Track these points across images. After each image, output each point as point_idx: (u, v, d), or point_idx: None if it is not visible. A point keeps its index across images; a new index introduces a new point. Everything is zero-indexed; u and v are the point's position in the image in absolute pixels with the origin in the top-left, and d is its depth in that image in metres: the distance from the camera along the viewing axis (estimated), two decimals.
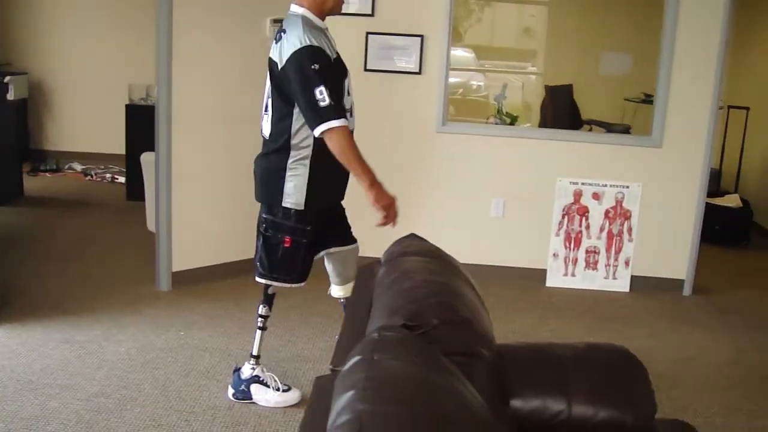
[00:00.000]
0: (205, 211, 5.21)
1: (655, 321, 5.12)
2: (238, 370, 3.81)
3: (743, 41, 8.13)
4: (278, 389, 3.76)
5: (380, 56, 5.49)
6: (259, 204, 3.62)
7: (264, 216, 3.57)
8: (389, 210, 3.46)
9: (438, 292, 1.99)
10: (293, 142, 3.45)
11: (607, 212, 5.52)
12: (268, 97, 3.54)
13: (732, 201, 7.14)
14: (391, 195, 3.46)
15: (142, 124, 6.45)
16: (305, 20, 3.39)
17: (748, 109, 7.49)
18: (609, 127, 6.61)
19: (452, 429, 1.44)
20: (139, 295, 5.00)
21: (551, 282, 5.60)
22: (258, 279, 3.65)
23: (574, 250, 5.57)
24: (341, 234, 3.78)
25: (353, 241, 3.82)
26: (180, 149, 5.00)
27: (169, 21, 4.81)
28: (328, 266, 3.83)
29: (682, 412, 3.92)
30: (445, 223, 5.59)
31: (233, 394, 3.78)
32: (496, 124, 6.28)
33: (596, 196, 5.51)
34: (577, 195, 5.51)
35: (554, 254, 5.57)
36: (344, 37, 5.43)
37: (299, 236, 3.53)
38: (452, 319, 1.91)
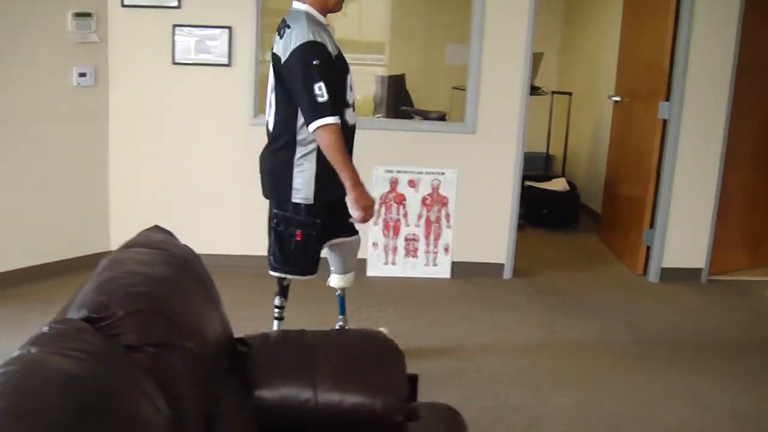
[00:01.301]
0: None
1: (471, 305, 5.14)
2: None
3: (573, 28, 8.32)
4: None
5: (188, 49, 5.34)
6: (268, 200, 3.75)
7: (275, 211, 3.67)
8: (367, 212, 3.53)
9: (136, 284, 1.87)
10: (299, 137, 3.52)
11: (424, 199, 5.52)
12: (272, 93, 3.60)
13: (559, 185, 7.28)
14: (371, 197, 3.56)
15: None
16: (309, 16, 3.50)
17: (570, 94, 7.65)
18: (425, 115, 6.63)
19: (79, 423, 1.33)
20: None
21: (372, 272, 5.56)
22: (272, 272, 3.75)
23: (393, 238, 5.56)
24: (345, 225, 3.83)
25: (356, 232, 3.92)
26: None
27: None
28: (330, 256, 3.96)
29: (484, 394, 3.95)
30: (264, 216, 5.48)
31: None
32: None
33: (412, 184, 5.50)
34: (394, 183, 5.49)
35: (374, 243, 5.54)
36: (150, 31, 5.33)
37: (310, 229, 3.63)
38: (140, 309, 1.80)
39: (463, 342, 4.54)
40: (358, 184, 3.49)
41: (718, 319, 5.22)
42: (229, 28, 5.31)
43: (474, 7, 5.38)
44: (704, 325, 5.14)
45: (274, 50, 3.53)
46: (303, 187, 3.56)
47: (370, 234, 5.51)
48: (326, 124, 3.37)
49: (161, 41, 5.29)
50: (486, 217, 5.61)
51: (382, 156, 5.48)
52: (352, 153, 3.67)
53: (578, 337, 4.75)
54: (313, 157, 3.54)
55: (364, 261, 5.54)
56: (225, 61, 5.35)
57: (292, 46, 3.40)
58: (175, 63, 5.35)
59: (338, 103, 3.48)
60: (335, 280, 4.03)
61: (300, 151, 3.54)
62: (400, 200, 5.51)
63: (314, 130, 3.39)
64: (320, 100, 3.35)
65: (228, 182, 5.48)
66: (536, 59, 7.41)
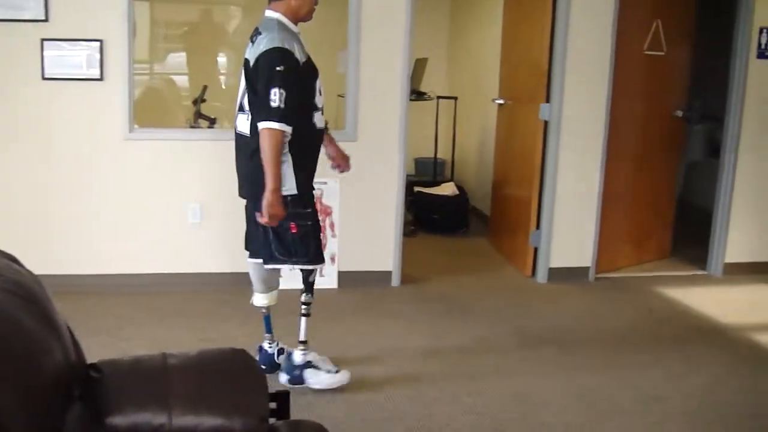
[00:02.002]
0: None
1: (358, 315, 5.07)
2: (289, 355, 4.08)
3: (458, 32, 8.36)
4: (329, 371, 4.03)
5: (58, 63, 5.12)
6: (248, 202, 3.96)
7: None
8: (273, 220, 3.70)
9: None
10: None
11: None
12: (243, 96, 3.80)
13: (448, 189, 7.28)
14: (283, 211, 3.71)
15: None
16: (280, 24, 3.72)
17: (456, 98, 7.67)
18: None
19: None
20: None
21: None
22: (275, 266, 3.99)
23: None
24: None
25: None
26: None
27: None
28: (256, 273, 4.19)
29: (368, 406, 3.87)
30: (141, 232, 5.32)
31: (287, 380, 4.03)
32: (192, 127, 6.07)
33: None
34: None
35: None
36: (17, 46, 5.09)
37: (302, 220, 3.85)
38: None
39: (348, 353, 4.45)
40: (277, 191, 3.66)
41: (605, 317, 5.26)
42: (101, 41, 5.11)
43: (350, 14, 5.33)
44: (591, 323, 5.17)
45: (246, 55, 3.75)
46: (285, 180, 3.73)
47: None
48: (271, 128, 3.60)
49: (29, 56, 5.06)
50: (371, 225, 5.55)
51: None
52: (318, 156, 3.97)
53: (466, 343, 4.72)
54: (288, 153, 3.72)
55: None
56: (97, 75, 5.15)
57: (261, 50, 3.63)
58: (45, 78, 5.11)
59: (307, 106, 3.78)
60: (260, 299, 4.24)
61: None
62: None
63: (260, 129, 3.63)
64: (273, 104, 3.58)
65: (103, 199, 5.28)
66: (421, 64, 7.43)
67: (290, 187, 3.76)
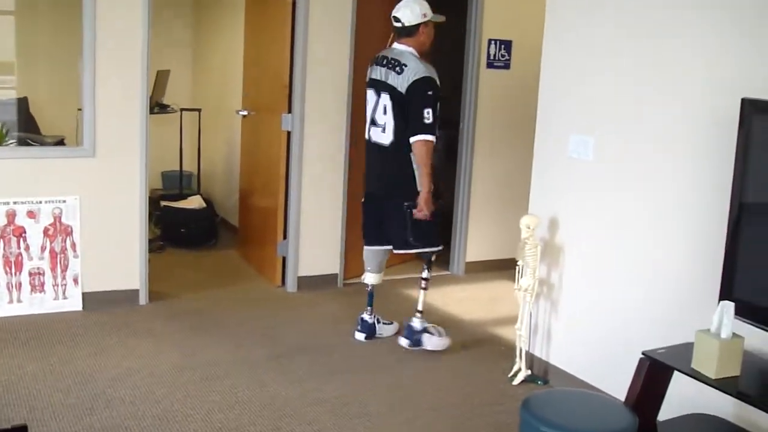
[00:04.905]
0: None
1: (104, 337, 4.89)
2: (408, 325, 4.97)
3: (202, 44, 8.27)
4: (440, 335, 4.97)
5: None
6: (384, 200, 4.92)
7: (406, 204, 4.73)
8: (426, 214, 4.72)
9: None
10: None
11: (46, 230, 5.17)
12: (383, 114, 4.77)
13: (195, 202, 7.20)
14: (434, 206, 4.77)
15: None
16: (414, 56, 4.74)
17: (200, 110, 7.60)
18: (42, 141, 6.24)
19: None
20: None
21: None
22: (406, 251, 5.04)
23: (16, 274, 5.15)
24: None
25: None
26: None
27: None
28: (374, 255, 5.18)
29: (116, 429, 3.74)
30: None
31: (408, 344, 4.93)
32: None
33: (32, 215, 5.13)
34: (11, 215, 5.08)
35: None
36: None
37: (435, 211, 4.79)
38: None
39: (94, 377, 4.29)
40: (431, 191, 4.70)
41: (351, 321, 5.40)
42: None
43: (84, 23, 5.11)
44: (339, 328, 5.30)
45: (389, 81, 4.71)
46: (418, 180, 4.71)
47: None
48: (426, 140, 4.62)
49: None
50: (115, 242, 5.37)
51: None
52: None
53: (216, 357, 4.69)
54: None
55: None
56: None
57: (414, 78, 4.62)
58: None
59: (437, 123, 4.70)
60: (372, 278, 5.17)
61: (413, 157, 4.69)
62: (20, 233, 5.11)
63: (414, 141, 4.62)
64: (426, 121, 4.58)
65: None
66: (163, 76, 7.30)
67: (420, 188, 4.73)
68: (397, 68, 4.69)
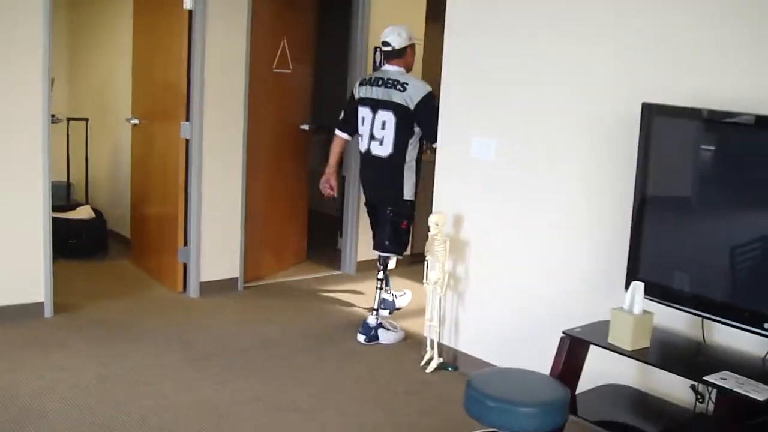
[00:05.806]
0: None
1: (16, 351, 4.82)
2: (364, 322, 5.36)
3: (81, 52, 8.11)
4: (395, 329, 5.42)
5: None
6: (378, 206, 5.48)
7: (390, 209, 5.33)
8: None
9: None
10: (407, 157, 5.31)
11: None
12: (380, 128, 5.31)
13: (83, 213, 7.11)
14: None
15: None
16: (409, 74, 5.43)
17: (87, 120, 7.50)
18: None
19: None
20: None
21: None
22: (382, 253, 5.47)
23: None
24: None
25: None
26: None
27: None
28: None
29: None
30: None
31: (365, 339, 5.30)
32: None
33: None
34: None
35: None
36: None
37: (410, 220, 5.44)
38: None
39: (18, 392, 4.26)
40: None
41: (259, 323, 5.53)
42: None
43: None
44: (246, 329, 5.45)
45: (394, 99, 5.24)
46: (408, 190, 5.33)
47: None
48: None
49: None
50: (16, 255, 5.28)
51: None
52: None
53: (136, 364, 4.72)
54: (413, 165, 5.34)
55: None
56: None
57: (422, 94, 5.22)
58: None
59: None
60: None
61: (406, 167, 5.30)
62: None
63: (435, 144, 5.13)
64: (437, 129, 5.03)
65: None
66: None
67: (410, 196, 5.37)
68: (399, 87, 5.25)
